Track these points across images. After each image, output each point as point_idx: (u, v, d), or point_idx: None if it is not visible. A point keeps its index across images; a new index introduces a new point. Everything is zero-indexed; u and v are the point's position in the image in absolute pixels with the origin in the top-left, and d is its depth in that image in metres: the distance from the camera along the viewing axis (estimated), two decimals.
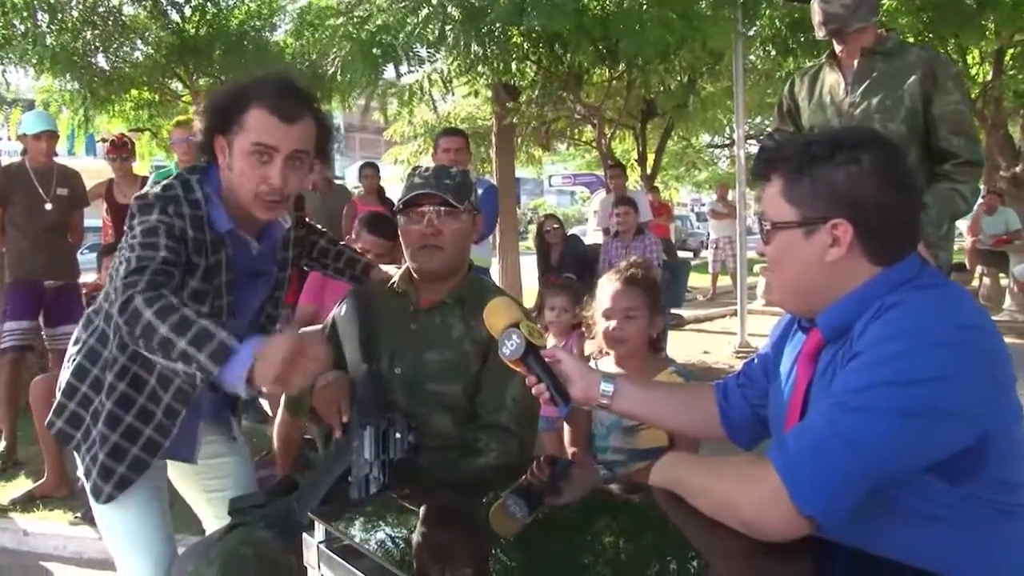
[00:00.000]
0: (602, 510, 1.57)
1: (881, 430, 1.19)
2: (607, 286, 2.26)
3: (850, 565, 1.24)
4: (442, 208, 2.03)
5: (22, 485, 4.23)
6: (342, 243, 2.43)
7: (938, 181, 2.49)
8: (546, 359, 1.61)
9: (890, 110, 2.55)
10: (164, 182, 1.84)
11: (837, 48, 2.69)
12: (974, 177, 2.55)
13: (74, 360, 1.94)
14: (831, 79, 2.72)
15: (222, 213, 1.84)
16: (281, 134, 1.77)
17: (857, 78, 2.64)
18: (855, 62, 2.65)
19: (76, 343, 1.97)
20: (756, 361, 1.69)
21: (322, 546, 1.31)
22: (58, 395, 1.96)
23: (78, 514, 3.78)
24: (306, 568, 1.38)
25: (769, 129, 3.04)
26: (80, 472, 1.97)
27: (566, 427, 2.37)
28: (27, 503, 4.00)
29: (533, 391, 1.61)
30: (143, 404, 1.87)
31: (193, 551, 1.87)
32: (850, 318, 1.33)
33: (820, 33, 2.66)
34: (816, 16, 2.63)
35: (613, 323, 2.20)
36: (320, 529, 1.33)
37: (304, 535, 1.36)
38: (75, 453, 1.96)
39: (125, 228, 1.80)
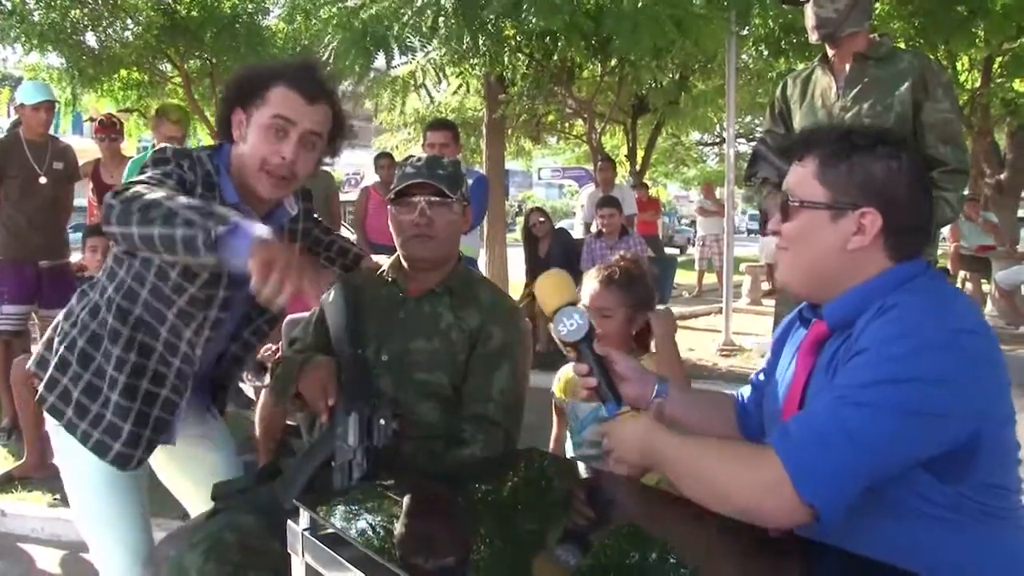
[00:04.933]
0: (585, 502, 1.58)
1: (882, 427, 1.20)
2: (588, 284, 2.28)
3: (830, 564, 1.25)
4: (434, 198, 2.04)
5: (2, 464, 4.21)
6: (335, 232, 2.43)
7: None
8: (604, 356, 1.55)
9: (880, 116, 2.57)
10: (178, 148, 1.85)
11: (829, 52, 2.71)
12: (960, 185, 2.58)
13: (67, 335, 1.90)
14: (823, 83, 2.74)
15: (230, 187, 1.85)
16: (300, 110, 1.81)
17: (849, 82, 2.66)
18: (847, 66, 2.67)
19: (68, 317, 1.94)
20: (761, 370, 1.71)
21: (306, 533, 1.31)
22: (50, 370, 1.91)
23: (57, 495, 3.76)
24: (289, 553, 1.38)
25: (760, 130, 3.06)
26: (66, 451, 1.92)
27: (555, 423, 2.39)
28: (5, 484, 3.98)
29: (581, 382, 1.58)
30: (155, 368, 1.86)
31: (175, 536, 1.87)
32: (856, 310, 1.35)
33: (813, 37, 2.68)
34: (809, 20, 2.65)
35: None
36: (305, 516, 1.33)
37: (289, 522, 1.36)
38: (64, 431, 1.89)
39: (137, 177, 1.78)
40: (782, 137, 2.83)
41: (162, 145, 1.88)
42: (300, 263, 1.48)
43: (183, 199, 1.58)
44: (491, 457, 1.90)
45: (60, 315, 2.00)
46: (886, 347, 1.24)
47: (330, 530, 1.29)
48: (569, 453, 2.29)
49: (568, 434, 2.28)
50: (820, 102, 2.72)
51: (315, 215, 2.25)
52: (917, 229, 1.41)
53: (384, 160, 7.37)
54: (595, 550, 1.29)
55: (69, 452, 1.92)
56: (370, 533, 1.28)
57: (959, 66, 12.09)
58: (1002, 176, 12.28)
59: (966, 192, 11.26)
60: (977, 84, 11.71)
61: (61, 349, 1.90)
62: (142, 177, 1.73)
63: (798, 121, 2.79)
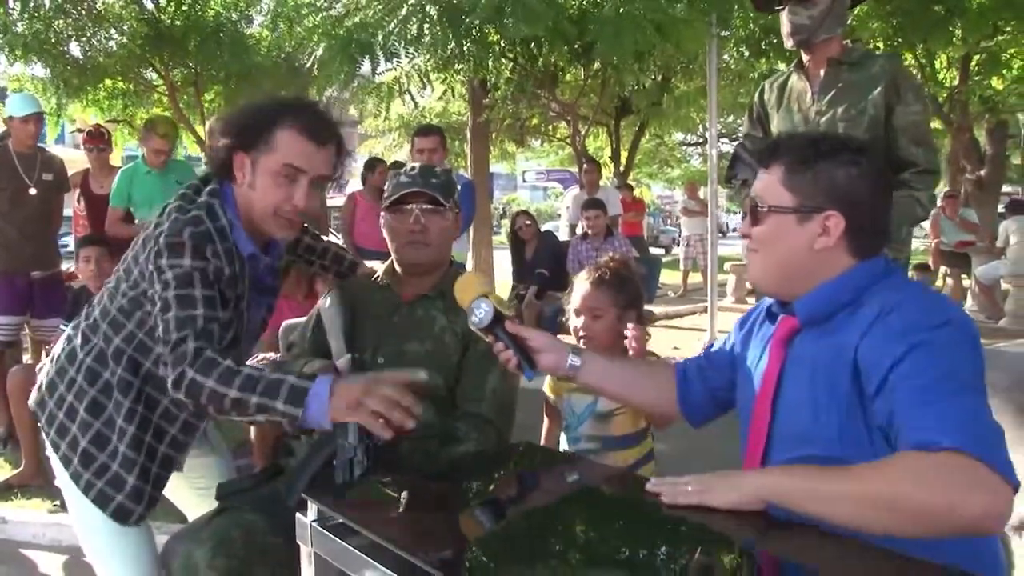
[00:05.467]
0: (582, 494, 1.66)
1: (978, 405, 1.30)
2: (580, 284, 2.34)
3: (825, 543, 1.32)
4: (428, 206, 2.13)
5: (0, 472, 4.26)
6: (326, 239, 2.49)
7: (897, 188, 2.60)
8: (516, 334, 1.68)
9: (854, 119, 2.67)
10: (191, 213, 1.78)
11: (804, 58, 2.81)
12: (931, 185, 2.68)
13: (74, 383, 1.89)
14: (798, 87, 2.83)
15: (243, 236, 1.85)
16: (311, 157, 1.81)
17: (823, 87, 2.75)
18: (821, 71, 2.77)
19: (72, 361, 1.91)
20: (720, 350, 1.80)
21: (315, 524, 1.39)
22: (58, 416, 1.89)
23: (56, 502, 3.81)
24: (297, 547, 1.46)
25: (743, 130, 3.16)
26: (77, 495, 1.88)
27: (545, 423, 2.47)
28: (4, 492, 4.03)
29: (500, 358, 1.69)
30: (157, 423, 1.89)
31: (182, 534, 1.93)
32: (826, 306, 1.47)
33: (788, 43, 2.78)
34: (784, 27, 2.75)
35: (581, 320, 2.29)
36: (312, 508, 1.41)
37: (298, 514, 1.44)
38: (71, 478, 1.88)
39: (152, 261, 1.76)
40: (760, 140, 2.93)
41: (173, 229, 1.75)
42: (378, 385, 1.66)
43: (240, 380, 1.65)
44: (485, 453, 1.97)
45: (56, 349, 1.99)
46: (929, 336, 1.33)
47: (337, 521, 1.36)
48: (563, 448, 2.36)
49: (563, 431, 2.35)
50: (796, 106, 2.82)
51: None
52: (877, 229, 1.52)
53: (380, 166, 7.45)
54: (593, 539, 1.37)
55: (77, 498, 1.90)
56: (375, 523, 1.35)
57: (938, 64, 12.26)
58: (982, 172, 12.46)
59: (947, 189, 11.48)
60: (955, 82, 11.88)
61: (69, 397, 1.89)
62: (167, 294, 1.72)
63: (775, 125, 2.89)
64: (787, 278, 1.53)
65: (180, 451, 1.96)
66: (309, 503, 1.42)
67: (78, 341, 1.93)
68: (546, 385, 2.49)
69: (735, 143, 3.40)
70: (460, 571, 1.20)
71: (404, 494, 1.48)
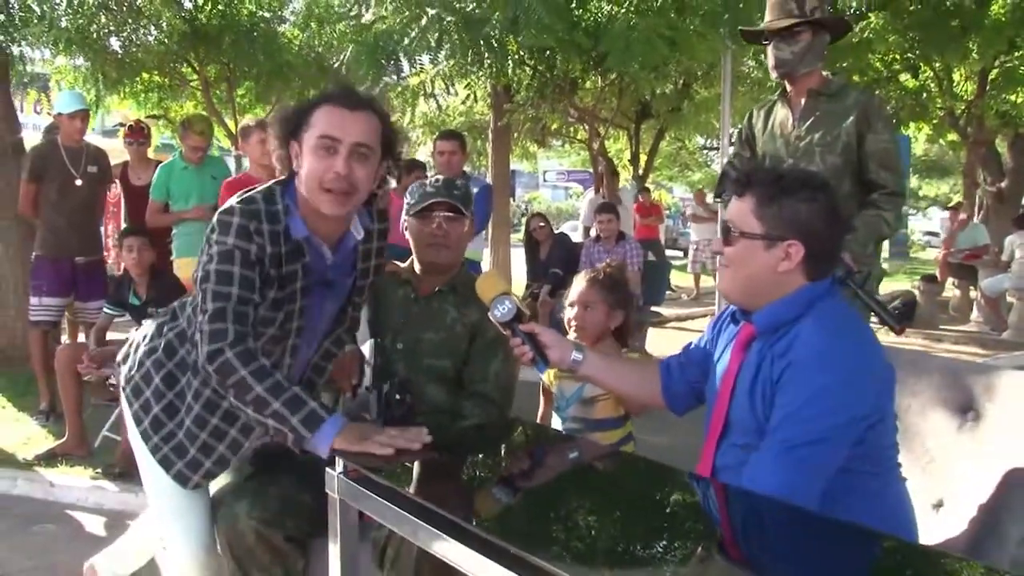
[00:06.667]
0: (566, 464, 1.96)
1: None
2: (578, 281, 2.66)
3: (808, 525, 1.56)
4: (450, 214, 2.45)
5: (45, 443, 4.62)
6: None
7: (866, 208, 2.88)
8: (530, 332, 1.95)
9: (830, 145, 2.94)
10: (250, 193, 1.93)
11: (788, 88, 3.09)
12: (898, 206, 2.95)
13: (154, 352, 2.07)
14: (782, 114, 3.11)
15: (299, 222, 1.94)
16: (344, 123, 1.87)
17: (803, 115, 3.03)
18: (802, 101, 3.04)
19: (159, 334, 2.09)
20: (695, 346, 2.10)
21: (341, 475, 1.70)
22: (134, 377, 2.08)
23: (98, 469, 4.18)
24: (325, 496, 1.76)
25: (731, 152, 3.44)
26: (145, 452, 2.08)
27: (541, 401, 2.79)
28: (50, 459, 4.38)
29: (516, 351, 1.97)
30: (228, 408, 1.99)
31: (227, 488, 2.21)
32: (779, 318, 1.76)
33: (773, 75, 3.06)
34: (770, 60, 3.02)
35: (574, 311, 2.60)
36: (340, 463, 1.71)
37: (327, 468, 1.75)
38: (140, 438, 2.09)
39: (206, 234, 1.91)
40: (747, 161, 3.21)
41: (228, 204, 1.91)
42: (376, 431, 1.77)
43: (271, 382, 1.79)
44: (488, 426, 2.29)
45: (147, 324, 2.20)
46: (814, 377, 1.64)
47: (364, 473, 1.67)
48: (556, 426, 2.67)
49: (555, 412, 2.66)
50: (779, 131, 3.10)
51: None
52: (829, 254, 1.81)
53: (418, 171, 7.76)
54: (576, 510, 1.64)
55: (143, 454, 2.10)
56: (397, 475, 1.67)
57: (955, 77, 12.38)
58: (1002, 184, 12.55)
59: (954, 202, 11.53)
60: (972, 96, 12.00)
61: (148, 363, 2.08)
62: (212, 264, 1.84)
63: (760, 146, 3.17)
64: (751, 293, 1.82)
65: (250, 437, 2.08)
66: (336, 459, 1.72)
67: (167, 317, 2.14)
68: (544, 373, 2.80)
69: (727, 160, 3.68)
70: (468, 513, 1.50)
71: (421, 455, 1.77)
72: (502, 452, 2.06)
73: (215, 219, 1.90)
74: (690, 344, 2.13)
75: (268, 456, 2.28)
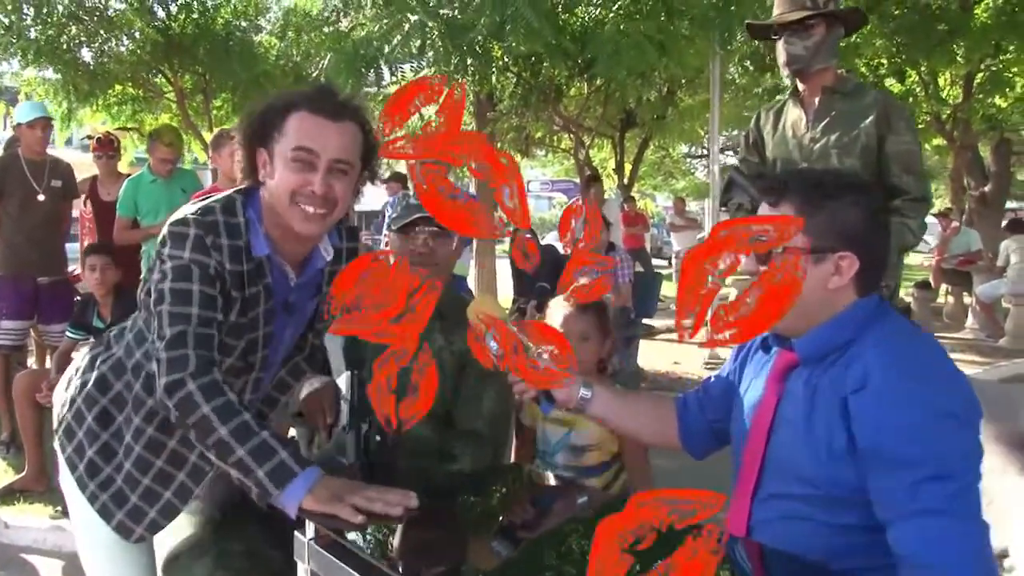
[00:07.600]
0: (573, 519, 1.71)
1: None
2: (560, 310, 2.31)
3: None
4: (435, 229, 2.20)
5: (4, 477, 4.31)
6: None
7: (889, 216, 2.65)
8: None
9: (847, 147, 2.72)
10: (206, 203, 1.70)
11: (800, 86, 2.86)
12: (923, 212, 2.72)
13: (84, 387, 1.82)
14: (794, 115, 2.89)
15: (261, 238, 1.72)
16: (324, 135, 1.65)
17: (817, 115, 2.81)
18: (816, 100, 2.82)
19: (91, 368, 1.85)
20: (716, 380, 1.83)
21: (312, 543, 1.44)
22: (67, 417, 1.84)
23: (58, 507, 3.87)
24: (295, 563, 1.51)
25: (737, 157, 3.21)
26: (82, 507, 1.82)
27: (513, 441, 2.49)
28: (7, 496, 4.08)
29: (516, 388, 1.69)
30: (174, 449, 1.78)
31: (183, 546, 1.97)
32: (830, 342, 1.50)
33: (784, 72, 2.83)
34: (781, 56, 2.80)
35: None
36: (310, 527, 1.46)
37: (296, 532, 1.49)
38: (75, 485, 1.82)
39: (156, 248, 1.68)
40: (755, 165, 2.98)
41: (181, 215, 1.68)
42: (353, 490, 1.49)
43: (237, 423, 1.53)
44: (480, 470, 2.03)
45: (78, 358, 1.95)
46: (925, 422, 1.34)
47: (334, 539, 1.41)
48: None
49: (537, 458, 2.37)
50: (791, 133, 2.87)
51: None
52: (881, 265, 1.55)
53: (395, 184, 7.58)
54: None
55: (79, 505, 1.84)
56: (372, 542, 1.40)
57: (941, 81, 12.32)
58: (986, 188, 12.50)
59: (951, 206, 11.49)
60: (958, 100, 11.93)
61: (79, 400, 1.82)
62: (166, 282, 1.61)
63: (770, 151, 2.94)
64: (795, 315, 1.49)
65: (201, 482, 1.83)
66: (306, 521, 1.47)
67: (100, 348, 1.88)
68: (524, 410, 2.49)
69: (732, 166, 3.45)
70: None
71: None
72: (498, 508, 1.78)
73: (166, 230, 1.66)
74: (709, 378, 1.86)
75: (230, 502, 2.02)
